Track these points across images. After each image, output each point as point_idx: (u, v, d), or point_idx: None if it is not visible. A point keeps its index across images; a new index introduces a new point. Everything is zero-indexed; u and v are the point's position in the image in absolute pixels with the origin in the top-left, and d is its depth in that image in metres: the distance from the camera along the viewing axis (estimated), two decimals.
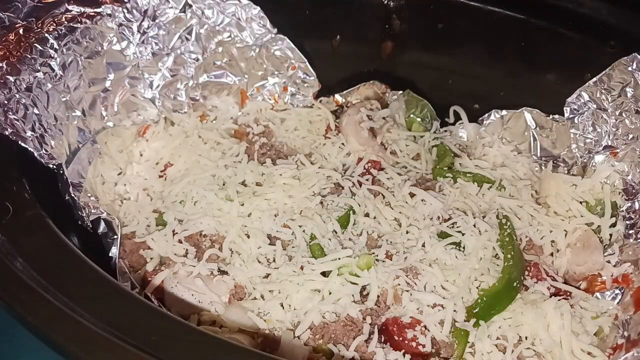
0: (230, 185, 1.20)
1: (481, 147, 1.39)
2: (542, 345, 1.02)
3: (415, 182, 1.27)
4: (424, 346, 1.01)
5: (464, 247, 1.13)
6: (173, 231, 1.13)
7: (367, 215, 1.19)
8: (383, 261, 1.11)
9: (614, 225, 1.21)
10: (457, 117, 1.45)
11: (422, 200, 1.21)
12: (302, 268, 1.08)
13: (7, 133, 1.00)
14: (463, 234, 1.14)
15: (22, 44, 1.11)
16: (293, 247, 1.13)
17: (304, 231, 1.14)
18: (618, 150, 1.25)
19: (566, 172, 1.33)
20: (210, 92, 1.40)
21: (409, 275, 1.09)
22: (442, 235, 1.16)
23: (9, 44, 1.10)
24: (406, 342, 1.01)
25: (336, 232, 1.16)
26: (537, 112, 1.37)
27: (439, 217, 1.19)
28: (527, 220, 1.21)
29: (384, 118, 1.42)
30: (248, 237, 1.13)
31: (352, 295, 1.06)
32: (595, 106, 1.28)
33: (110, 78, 1.27)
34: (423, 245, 1.14)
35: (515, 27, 1.37)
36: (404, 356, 0.99)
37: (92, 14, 1.22)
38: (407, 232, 1.17)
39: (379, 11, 1.44)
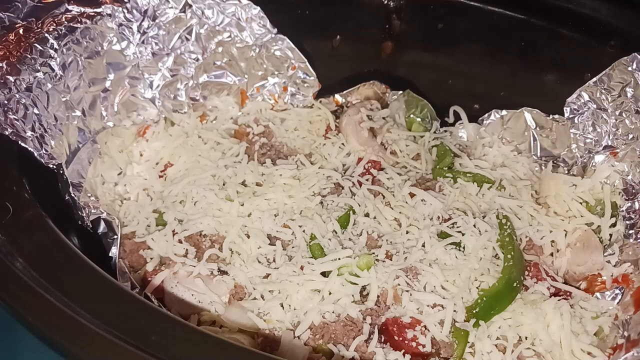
0: (230, 186, 1.20)
1: (481, 147, 1.39)
2: (542, 345, 1.02)
3: (415, 182, 1.27)
4: (424, 346, 1.01)
5: (464, 247, 1.13)
6: (173, 231, 1.13)
7: (367, 215, 1.19)
8: (383, 261, 1.11)
9: (614, 225, 1.21)
10: (457, 117, 1.45)
11: (422, 200, 1.21)
12: (302, 268, 1.08)
13: (7, 133, 1.00)
14: (463, 234, 1.14)
15: (22, 44, 1.11)
16: (293, 247, 1.13)
17: (304, 231, 1.14)
18: (618, 150, 1.25)
19: (566, 172, 1.33)
20: (210, 92, 1.40)
21: (408, 275, 1.09)
22: (442, 235, 1.16)
23: (9, 44, 1.10)
24: (406, 342, 1.01)
25: (336, 232, 1.15)
26: (537, 112, 1.37)
27: (439, 217, 1.19)
28: (527, 220, 1.21)
29: (384, 118, 1.42)
30: (248, 237, 1.13)
31: (352, 295, 1.06)
32: (595, 106, 1.28)
33: (110, 78, 1.27)
34: (423, 245, 1.14)
35: (515, 27, 1.37)
36: (404, 356, 0.99)
37: (92, 14, 1.22)
38: (407, 232, 1.17)
39: (379, 11, 1.44)
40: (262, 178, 1.23)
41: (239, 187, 1.20)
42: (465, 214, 1.19)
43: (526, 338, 1.03)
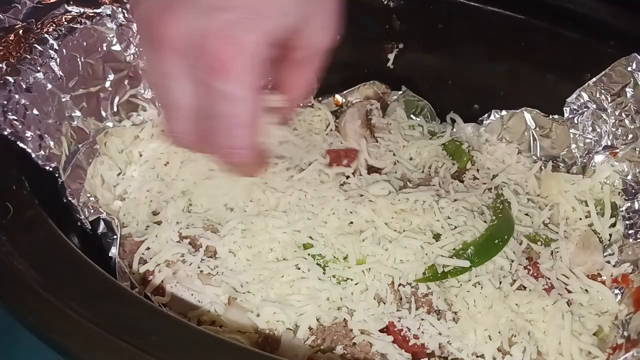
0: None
1: (486, 147, 1.40)
2: (542, 344, 1.02)
3: (416, 182, 1.27)
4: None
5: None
6: (172, 231, 1.13)
7: None
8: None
9: (613, 225, 1.21)
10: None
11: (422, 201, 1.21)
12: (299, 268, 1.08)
13: (5, 133, 1.00)
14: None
15: (21, 44, 1.12)
16: (295, 250, 1.13)
17: (299, 231, 1.14)
18: (618, 150, 1.25)
19: (566, 172, 1.33)
20: None
21: None
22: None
23: (9, 44, 1.11)
24: (407, 339, 1.01)
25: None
26: (536, 112, 1.37)
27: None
28: (527, 220, 1.21)
29: (383, 118, 1.42)
30: (245, 236, 1.13)
31: (352, 294, 1.06)
32: (595, 106, 1.28)
33: (110, 78, 1.26)
34: None
35: (515, 27, 1.37)
36: (404, 354, 0.99)
37: (92, 14, 1.22)
38: None
39: (379, 11, 1.44)
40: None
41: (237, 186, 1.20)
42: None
43: (528, 334, 1.03)
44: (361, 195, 1.19)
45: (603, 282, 1.15)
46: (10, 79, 1.06)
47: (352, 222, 1.15)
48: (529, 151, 1.38)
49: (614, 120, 1.26)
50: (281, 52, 0.88)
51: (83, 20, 1.20)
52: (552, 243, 1.19)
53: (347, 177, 1.26)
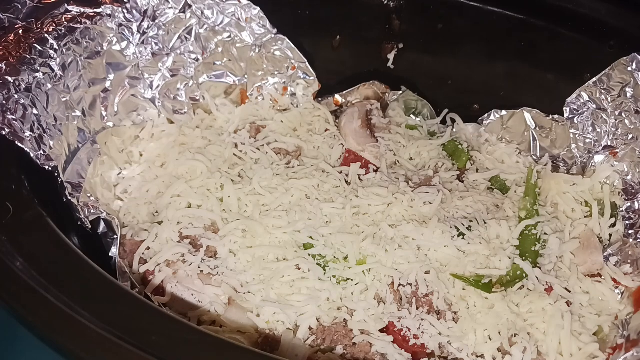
0: (227, 185, 1.20)
1: (485, 147, 1.40)
2: (542, 344, 1.02)
3: (419, 181, 1.27)
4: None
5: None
6: (172, 231, 1.13)
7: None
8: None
9: (613, 225, 1.21)
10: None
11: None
12: (299, 268, 1.08)
13: (4, 133, 1.00)
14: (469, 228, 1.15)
15: (21, 44, 1.11)
16: (295, 250, 1.13)
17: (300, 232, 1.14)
18: (618, 150, 1.25)
19: (566, 172, 1.33)
20: (210, 92, 1.40)
21: None
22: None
23: (9, 44, 1.10)
24: (407, 339, 1.01)
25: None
26: (536, 112, 1.37)
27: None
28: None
29: (383, 118, 1.42)
30: (245, 236, 1.13)
31: (352, 294, 1.06)
32: (595, 106, 1.28)
33: (110, 78, 1.27)
34: None
35: (515, 27, 1.38)
36: (404, 354, 0.99)
37: (92, 14, 1.22)
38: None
39: (379, 11, 1.44)
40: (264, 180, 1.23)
41: (238, 189, 1.20)
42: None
43: (528, 334, 1.03)
44: (361, 196, 1.19)
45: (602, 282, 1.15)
46: (10, 78, 1.06)
47: (352, 223, 1.15)
48: (529, 151, 1.38)
49: (614, 120, 1.26)
50: None
51: (83, 20, 1.20)
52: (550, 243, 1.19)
53: (347, 175, 1.27)
